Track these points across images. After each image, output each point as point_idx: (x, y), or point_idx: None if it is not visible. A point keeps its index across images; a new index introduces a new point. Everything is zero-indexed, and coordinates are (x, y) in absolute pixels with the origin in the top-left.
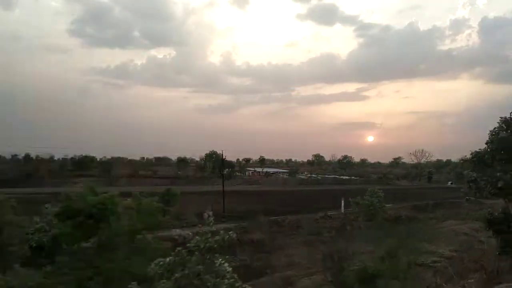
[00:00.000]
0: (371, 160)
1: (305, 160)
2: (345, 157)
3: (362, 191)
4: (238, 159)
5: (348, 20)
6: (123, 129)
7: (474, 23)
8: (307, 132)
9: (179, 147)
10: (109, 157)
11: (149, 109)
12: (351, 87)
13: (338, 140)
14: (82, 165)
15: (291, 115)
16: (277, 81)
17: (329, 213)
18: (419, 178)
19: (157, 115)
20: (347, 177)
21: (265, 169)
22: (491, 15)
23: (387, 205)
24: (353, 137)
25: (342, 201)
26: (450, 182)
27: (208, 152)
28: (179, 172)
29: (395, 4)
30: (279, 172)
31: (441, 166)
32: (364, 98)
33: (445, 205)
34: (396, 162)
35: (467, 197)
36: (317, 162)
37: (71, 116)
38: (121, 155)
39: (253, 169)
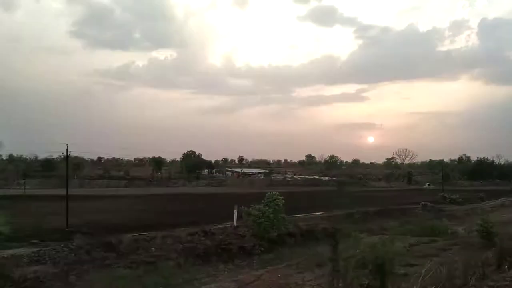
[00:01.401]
0: (366, 160)
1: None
2: (332, 157)
3: (320, 193)
4: (231, 159)
5: (348, 21)
6: (124, 130)
7: (474, 24)
8: (307, 133)
9: (178, 148)
10: (107, 157)
11: (150, 110)
12: (351, 88)
13: (339, 141)
14: (49, 165)
15: (291, 116)
16: (278, 82)
17: (220, 225)
18: (402, 179)
19: (157, 116)
20: (326, 178)
21: (245, 170)
22: (491, 16)
23: (309, 214)
24: (354, 137)
25: (235, 211)
26: (427, 184)
27: (186, 152)
28: (158, 173)
29: (394, 5)
30: (257, 173)
31: (433, 166)
32: (364, 99)
33: (394, 213)
34: (390, 163)
35: (423, 202)
36: (308, 162)
37: (73, 117)
38: (117, 156)
39: (231, 169)
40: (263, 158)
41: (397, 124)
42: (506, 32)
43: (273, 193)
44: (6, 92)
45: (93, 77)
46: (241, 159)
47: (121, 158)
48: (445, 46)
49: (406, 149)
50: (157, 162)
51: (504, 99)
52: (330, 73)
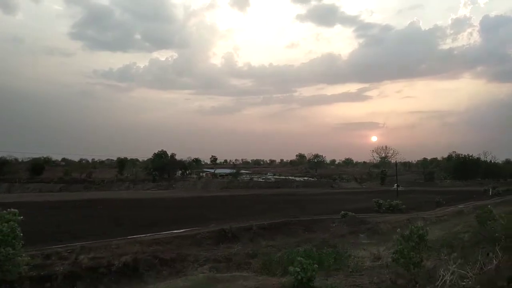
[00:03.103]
0: (360, 159)
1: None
2: (316, 156)
3: (254, 197)
4: (228, 159)
5: (348, 20)
6: (123, 132)
7: (476, 21)
8: (309, 132)
9: (180, 149)
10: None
11: (151, 111)
12: (352, 87)
13: (341, 141)
14: (5, 167)
15: (293, 116)
16: (279, 82)
17: None
18: (380, 179)
19: (158, 117)
20: (300, 179)
21: (218, 171)
22: (493, 13)
23: (162, 233)
24: (356, 137)
25: None
26: (396, 185)
27: (156, 151)
28: (128, 175)
29: (395, 4)
30: (227, 173)
31: (426, 165)
32: (366, 98)
33: (297, 227)
34: (383, 162)
35: (344, 212)
36: (299, 162)
37: (72, 119)
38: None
39: (207, 170)
40: (260, 158)
41: (399, 123)
42: (508, 30)
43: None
44: (6, 94)
45: (94, 78)
46: (214, 159)
47: (109, 159)
48: (447, 44)
49: (386, 147)
50: (121, 163)
51: (507, 97)
52: (331, 72)
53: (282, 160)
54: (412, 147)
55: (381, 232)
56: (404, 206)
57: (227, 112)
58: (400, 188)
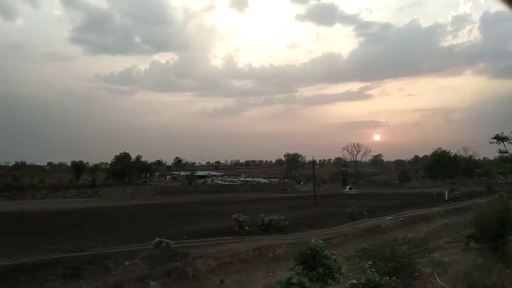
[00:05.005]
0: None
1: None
2: (295, 155)
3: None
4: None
5: (348, 19)
6: (126, 134)
7: (476, 18)
8: (311, 132)
9: (181, 151)
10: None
11: (153, 114)
12: (354, 86)
13: (343, 140)
14: None
15: (294, 116)
16: (280, 83)
17: None
18: (341, 180)
19: (159, 119)
20: (265, 181)
21: (182, 173)
22: (493, 9)
23: None
24: (358, 136)
25: None
26: (348, 187)
27: (118, 153)
28: (89, 180)
29: (395, 1)
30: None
31: (416, 162)
32: (368, 97)
33: (54, 269)
34: (375, 160)
35: (158, 240)
36: (285, 162)
37: (76, 123)
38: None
39: (171, 173)
40: (255, 159)
41: (402, 121)
42: (508, 26)
43: None
44: (7, 99)
45: (95, 82)
46: (178, 161)
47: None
48: (447, 42)
49: (358, 144)
50: (77, 167)
51: (510, 93)
52: (332, 71)
53: (277, 159)
54: (415, 145)
55: (193, 276)
56: (287, 222)
57: (229, 113)
58: (352, 192)
